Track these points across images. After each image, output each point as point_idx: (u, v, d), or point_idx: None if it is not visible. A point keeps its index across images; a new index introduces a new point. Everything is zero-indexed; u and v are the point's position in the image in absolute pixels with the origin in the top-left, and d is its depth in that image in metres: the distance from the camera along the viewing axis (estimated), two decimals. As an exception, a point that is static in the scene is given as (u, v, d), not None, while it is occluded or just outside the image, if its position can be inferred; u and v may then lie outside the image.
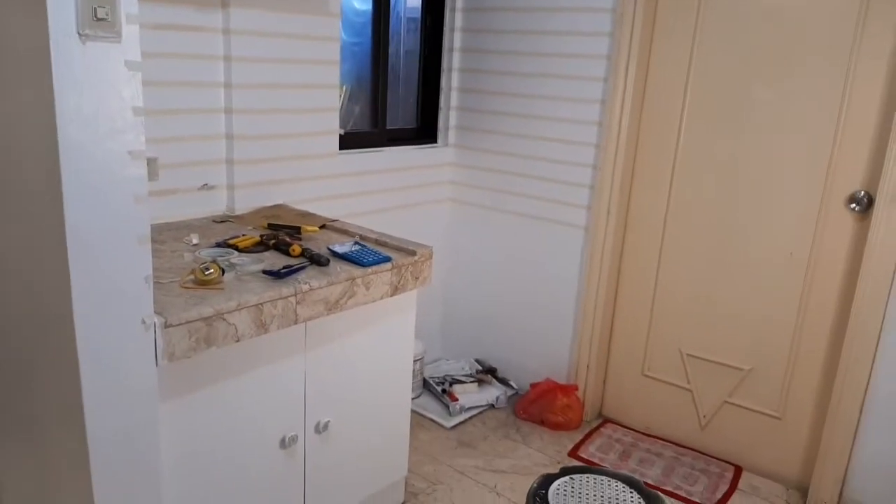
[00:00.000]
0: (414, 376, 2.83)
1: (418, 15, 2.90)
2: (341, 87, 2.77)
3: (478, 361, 3.11)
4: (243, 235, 1.91)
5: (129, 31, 1.17)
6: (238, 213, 2.19)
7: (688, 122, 2.47)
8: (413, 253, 1.91)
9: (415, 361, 2.80)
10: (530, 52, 2.66)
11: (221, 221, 2.11)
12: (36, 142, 1.19)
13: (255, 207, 2.23)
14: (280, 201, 2.30)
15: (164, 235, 1.92)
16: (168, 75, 1.96)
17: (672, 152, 2.52)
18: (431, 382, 2.93)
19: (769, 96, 2.30)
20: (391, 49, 2.92)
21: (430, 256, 1.95)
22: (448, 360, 3.18)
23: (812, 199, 2.28)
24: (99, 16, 1.10)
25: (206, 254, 1.75)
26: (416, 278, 1.93)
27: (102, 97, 1.16)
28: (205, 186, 2.14)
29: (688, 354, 2.62)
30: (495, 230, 2.93)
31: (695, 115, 2.45)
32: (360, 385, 1.93)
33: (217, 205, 2.18)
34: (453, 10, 2.84)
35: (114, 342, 1.30)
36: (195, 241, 1.87)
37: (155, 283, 1.53)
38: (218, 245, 1.85)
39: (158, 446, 1.43)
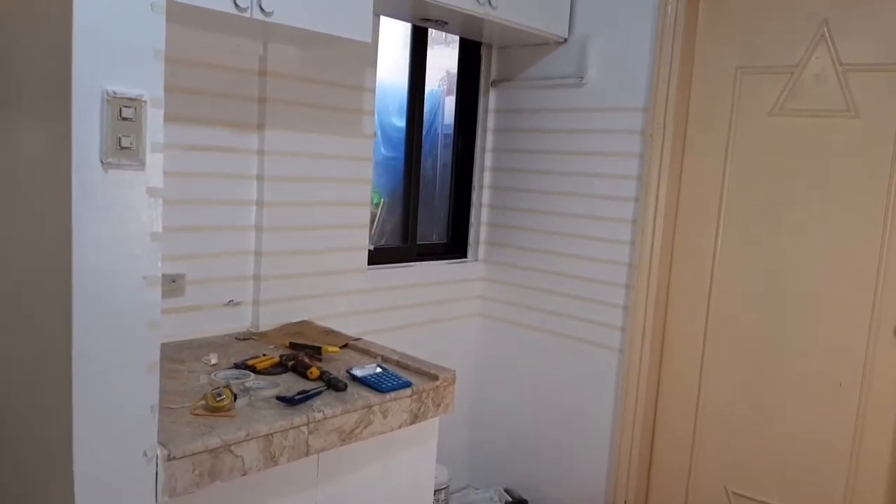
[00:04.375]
0: (438, 505, 2.66)
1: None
2: (378, 200, 2.80)
3: (507, 491, 2.92)
4: (263, 356, 1.86)
5: (154, 160, 1.17)
6: (262, 329, 2.15)
7: (723, 245, 2.40)
8: (435, 377, 1.83)
9: (439, 490, 2.65)
10: (560, 172, 2.66)
11: (244, 339, 2.07)
12: (50, 265, 1.17)
13: (279, 324, 2.19)
14: (306, 317, 2.27)
15: (183, 354, 1.88)
16: (201, 194, 1.99)
17: (708, 274, 2.43)
18: (457, 512, 2.75)
19: (807, 219, 2.23)
20: (428, 164, 2.97)
21: (453, 381, 1.86)
22: (476, 488, 3.00)
23: (859, 327, 2.15)
24: (123, 145, 1.12)
25: (223, 376, 1.70)
26: (438, 405, 1.83)
27: (121, 223, 1.15)
28: (230, 302, 2.12)
29: (734, 493, 2.41)
30: (526, 348, 2.83)
31: (730, 238, 2.38)
32: (376, 520, 1.80)
33: (241, 321, 2.15)
34: (485, 130, 2.89)
35: (113, 475, 1.23)
36: (214, 360, 1.83)
37: (165, 408, 1.48)
38: (236, 366, 1.80)
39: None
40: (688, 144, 2.46)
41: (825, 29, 2.16)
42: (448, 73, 3.04)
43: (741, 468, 2.40)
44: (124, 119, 1.11)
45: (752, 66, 2.30)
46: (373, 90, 2.33)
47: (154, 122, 1.16)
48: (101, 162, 1.11)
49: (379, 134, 2.86)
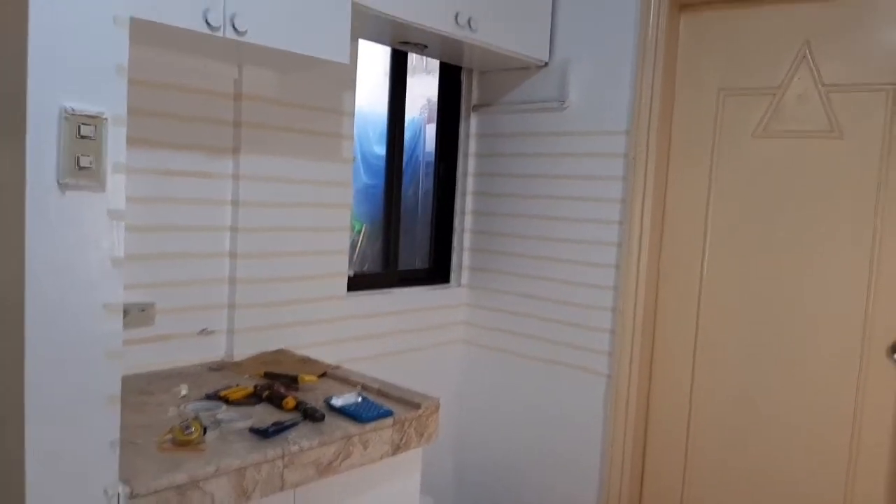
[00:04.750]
0: (421, 539, 2.56)
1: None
2: (360, 228, 2.75)
3: (493, 521, 2.84)
4: (236, 386, 1.79)
5: (115, 181, 1.12)
6: (237, 359, 2.08)
7: (709, 266, 2.37)
8: (417, 406, 1.76)
9: (423, 522, 2.56)
10: (543, 196, 2.62)
11: (217, 369, 2.00)
12: (2, 292, 1.11)
13: (255, 353, 2.12)
14: (283, 345, 2.20)
15: (152, 385, 1.80)
16: (173, 219, 1.93)
17: (695, 296, 2.40)
18: (442, 547, 2.65)
19: (793, 239, 2.20)
20: (410, 191, 2.93)
21: (437, 409, 1.80)
22: (460, 519, 2.91)
23: (850, 346, 2.12)
24: (82, 164, 1.06)
25: (193, 408, 1.62)
26: (421, 435, 1.76)
27: (79, 247, 1.09)
28: (204, 331, 2.05)
29: (727, 521, 2.35)
30: (511, 374, 2.77)
31: (717, 259, 2.35)
32: (356, 559, 1.71)
33: (215, 350, 2.07)
34: (466, 155, 2.86)
35: (70, 516, 1.15)
36: (184, 392, 1.75)
37: (130, 443, 1.40)
38: (207, 397, 1.72)
39: None
40: (671, 167, 2.44)
41: (807, 50, 2.16)
42: (429, 100, 3.03)
43: (735, 490, 2.33)
44: (83, 137, 1.05)
45: (735, 87, 2.30)
46: (352, 114, 2.29)
47: (116, 142, 1.11)
48: (58, 182, 1.05)
49: (360, 161, 2.83)
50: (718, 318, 2.36)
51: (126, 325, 1.86)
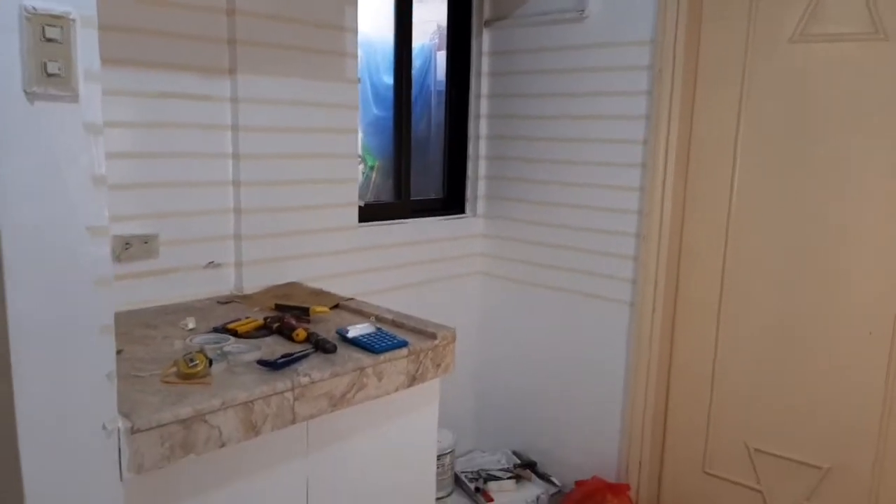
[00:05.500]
0: (443, 472, 2.54)
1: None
2: (373, 163, 2.64)
3: (515, 454, 2.81)
4: (246, 319, 1.72)
5: (89, 90, 1.01)
6: (246, 292, 2.01)
7: (740, 186, 2.23)
8: (433, 336, 1.68)
9: (444, 455, 2.54)
10: (562, 116, 2.48)
11: (226, 302, 1.93)
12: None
13: (265, 286, 2.05)
14: (294, 278, 2.12)
15: (158, 320, 1.73)
16: (171, 146, 1.83)
17: (724, 219, 2.27)
18: (464, 479, 2.63)
19: (833, 152, 2.05)
20: (422, 121, 2.79)
21: (453, 340, 1.72)
22: (483, 452, 2.88)
23: (890, 268, 1.99)
24: (50, 71, 0.95)
25: (199, 341, 1.55)
26: (438, 366, 1.69)
27: (54, 165, 0.99)
28: (210, 264, 1.97)
29: (755, 449, 2.29)
30: (531, 306, 2.69)
31: (748, 178, 2.21)
32: (375, 491, 1.67)
33: (223, 284, 2.00)
34: (479, 75, 2.70)
35: (68, 453, 1.09)
36: (191, 325, 1.68)
37: (133, 376, 1.34)
38: (215, 330, 1.65)
39: (125, 576, 1.20)
40: (699, 80, 2.27)
41: (851, -60, 1.96)
42: (439, 26, 2.85)
43: (763, 424, 2.26)
44: (49, 40, 0.94)
45: (769, -13, 2.11)
46: (354, 30, 2.14)
47: (87, 46, 0.99)
48: (25, 91, 0.94)
49: (369, 92, 2.68)
50: (750, 240, 2.23)
51: (129, 258, 1.81)
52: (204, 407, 1.25)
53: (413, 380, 1.63)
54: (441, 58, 2.83)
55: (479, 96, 2.72)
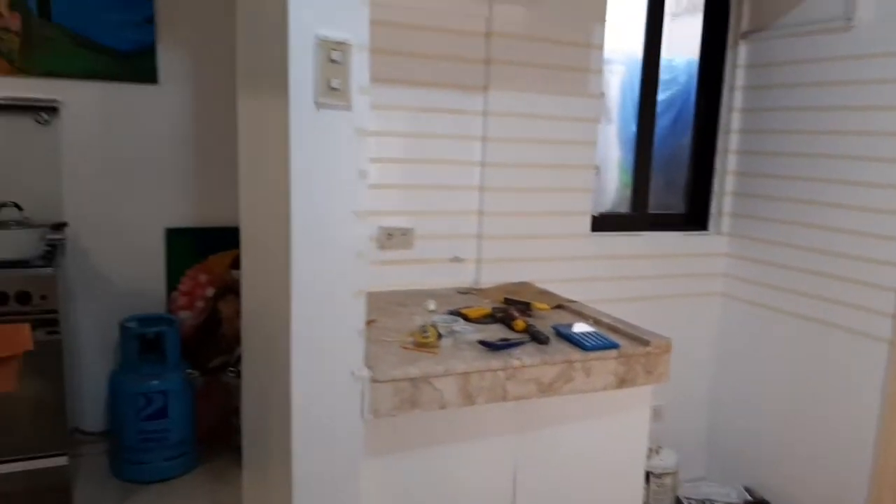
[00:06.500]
0: (663, 491, 2.51)
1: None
2: (627, 178, 2.71)
3: (747, 490, 2.64)
4: (477, 307, 1.93)
5: (360, 101, 1.28)
6: (482, 286, 2.23)
7: None
8: (646, 343, 1.72)
9: (665, 474, 2.51)
10: (823, 131, 2.30)
11: (465, 293, 2.17)
12: (277, 202, 1.34)
13: (499, 283, 2.25)
14: (525, 279, 2.29)
15: (408, 300, 2.02)
16: (429, 153, 2.12)
17: None
18: None
19: None
20: (668, 133, 2.78)
21: (668, 350, 1.73)
22: (711, 482, 2.76)
23: None
24: (332, 85, 1.23)
25: (435, 319, 1.79)
26: (649, 373, 1.72)
27: (331, 160, 1.28)
28: (455, 258, 2.23)
29: None
30: (775, 334, 2.52)
31: None
32: (579, 480, 1.75)
33: (464, 277, 2.25)
34: (731, 89, 2.62)
35: (325, 389, 1.37)
36: (432, 307, 1.94)
37: (380, 340, 1.61)
38: (450, 313, 1.89)
39: (359, 502, 1.45)
40: None
41: None
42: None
43: None
44: (333, 62, 1.22)
45: None
46: (600, 47, 2.25)
47: (360, 66, 1.26)
48: (315, 102, 1.24)
49: (629, 109, 2.74)
50: None
51: (391, 247, 2.14)
52: (430, 371, 1.47)
53: (622, 382, 1.69)
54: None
55: (730, 110, 2.64)
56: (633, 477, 1.85)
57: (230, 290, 2.93)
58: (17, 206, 2.38)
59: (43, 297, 2.16)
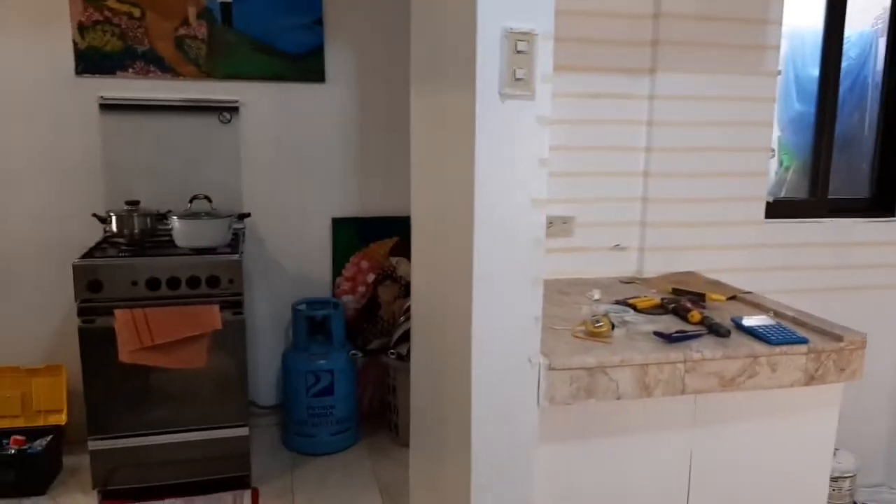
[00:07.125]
0: (840, 496, 2.34)
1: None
2: (790, 163, 2.54)
3: (939, 500, 2.41)
4: (644, 297, 1.88)
5: (542, 90, 1.28)
6: (646, 275, 2.17)
7: None
8: (839, 338, 1.59)
9: (843, 478, 2.33)
10: None
11: (628, 282, 2.12)
12: (458, 192, 1.38)
13: (663, 272, 2.18)
14: (692, 268, 2.20)
15: (570, 289, 2.01)
16: (592, 140, 2.08)
17: None
18: (866, 510, 2.37)
19: None
20: (855, 116, 2.56)
21: (863, 346, 1.60)
22: (891, 488, 2.54)
23: None
24: (518, 76, 1.24)
25: (603, 309, 1.77)
26: (842, 370, 1.60)
27: (513, 149, 1.29)
28: (616, 247, 2.18)
29: None
30: (979, 332, 2.26)
31: None
32: (758, 481, 1.67)
33: (626, 266, 2.19)
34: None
35: (502, 375, 1.40)
36: (596, 296, 1.91)
37: (549, 328, 1.62)
38: (617, 302, 1.85)
39: (532, 486, 1.47)
40: None
41: None
42: (885, 9, 2.56)
43: None
44: (519, 52, 1.23)
45: None
46: (778, 22, 2.10)
47: (544, 54, 1.26)
48: (499, 93, 1.25)
49: (793, 87, 2.57)
50: None
51: (550, 235, 2.12)
52: (605, 361, 1.45)
53: (811, 379, 1.58)
54: (883, 45, 2.54)
55: (928, 85, 2.38)
56: (815, 481, 1.73)
57: (389, 276, 3.06)
58: (207, 198, 2.61)
59: (230, 281, 2.37)
